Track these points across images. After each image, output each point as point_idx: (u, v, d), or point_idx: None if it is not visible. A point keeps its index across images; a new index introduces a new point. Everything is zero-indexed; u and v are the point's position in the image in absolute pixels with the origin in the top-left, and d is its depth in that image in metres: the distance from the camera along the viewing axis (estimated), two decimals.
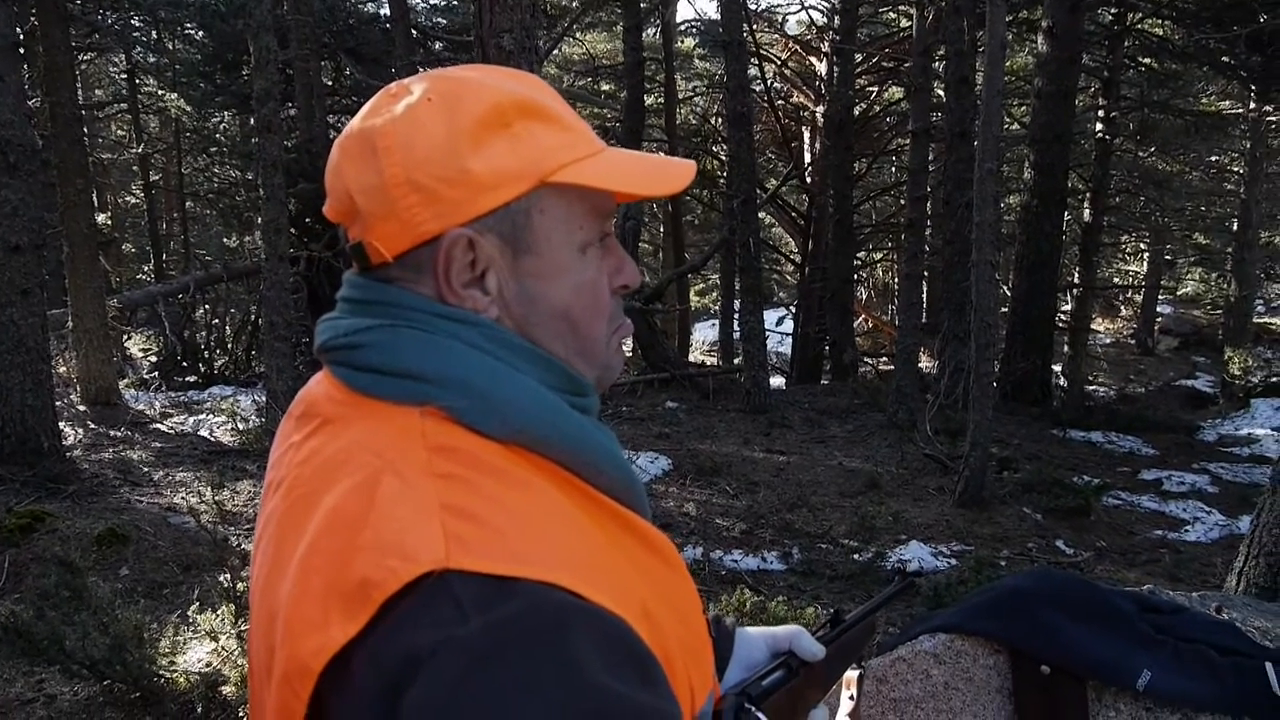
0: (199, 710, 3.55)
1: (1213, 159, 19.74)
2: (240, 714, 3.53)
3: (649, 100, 17.09)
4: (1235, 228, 18.40)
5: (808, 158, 18.01)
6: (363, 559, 0.66)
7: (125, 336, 13.32)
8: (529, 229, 0.80)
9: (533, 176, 0.78)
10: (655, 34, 18.71)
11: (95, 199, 14.75)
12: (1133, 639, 1.84)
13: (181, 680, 3.65)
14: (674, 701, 0.69)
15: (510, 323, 0.81)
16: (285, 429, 0.85)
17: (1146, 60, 15.27)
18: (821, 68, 16.56)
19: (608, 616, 0.66)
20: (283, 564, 0.72)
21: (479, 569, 0.64)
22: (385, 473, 0.70)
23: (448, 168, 0.76)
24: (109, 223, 19.48)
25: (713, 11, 18.59)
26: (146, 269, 20.69)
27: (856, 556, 6.04)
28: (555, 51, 18.56)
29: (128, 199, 23.39)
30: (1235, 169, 19.29)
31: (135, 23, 15.96)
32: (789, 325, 17.67)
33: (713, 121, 19.55)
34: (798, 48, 18.26)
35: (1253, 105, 15.95)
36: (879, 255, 21.78)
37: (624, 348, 0.91)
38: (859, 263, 19.01)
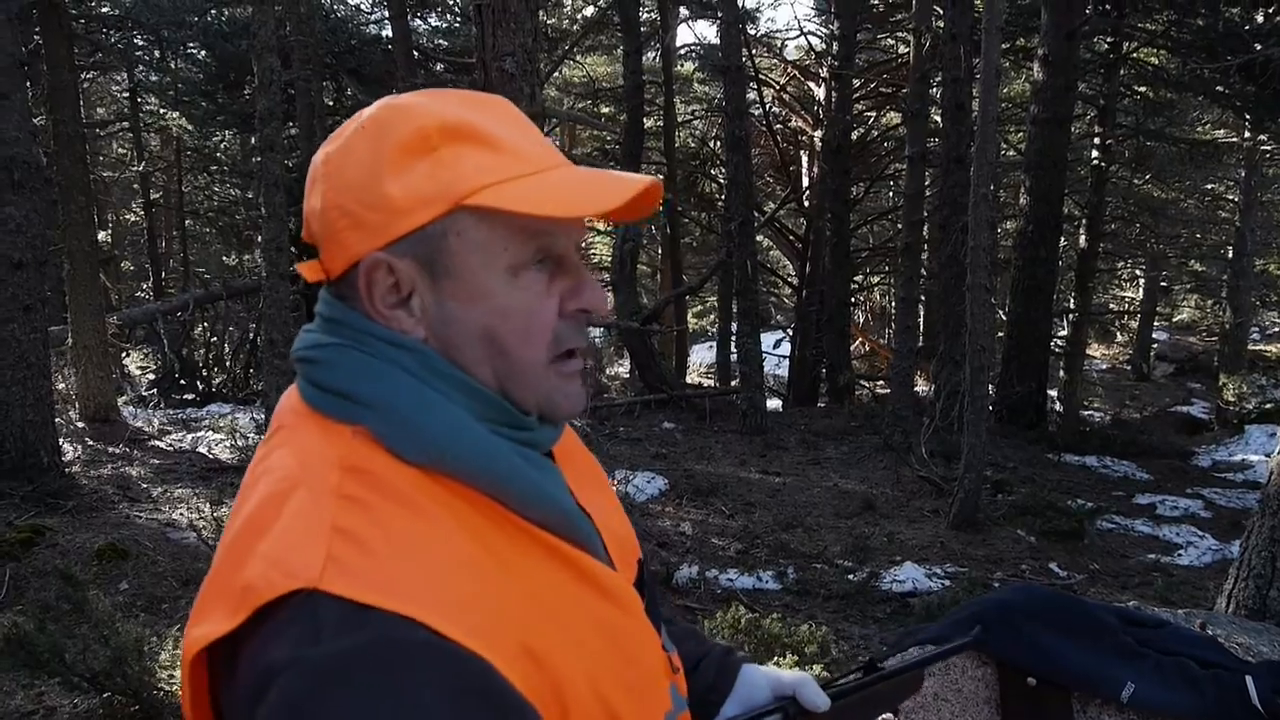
0: None
1: (1208, 187, 19.85)
2: None
3: (648, 123, 17.21)
4: (1230, 255, 18.51)
5: (805, 181, 18.13)
6: (253, 566, 0.70)
7: (124, 354, 13.36)
8: (446, 252, 0.80)
9: (447, 199, 0.78)
10: (655, 58, 18.84)
11: (96, 216, 14.85)
12: (1116, 652, 1.88)
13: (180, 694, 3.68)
14: None
15: (436, 344, 0.81)
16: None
17: (1142, 89, 15.39)
18: (820, 93, 16.69)
19: (465, 657, 0.67)
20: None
21: (344, 594, 0.67)
22: (300, 487, 0.74)
23: (369, 192, 0.79)
24: (109, 240, 19.56)
25: (712, 36, 18.74)
26: (146, 286, 20.74)
27: (851, 577, 6.07)
28: (556, 74, 18.69)
29: (128, 217, 23.47)
30: (1230, 197, 19.40)
31: (138, 42, 16.07)
32: (786, 348, 17.73)
33: (711, 145, 19.66)
34: (796, 73, 18.39)
35: (1247, 134, 16.06)
36: (876, 279, 21.85)
37: (577, 375, 0.87)
38: (856, 286, 19.08)
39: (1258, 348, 21.43)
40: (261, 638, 0.67)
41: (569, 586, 0.79)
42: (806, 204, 17.44)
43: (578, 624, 0.78)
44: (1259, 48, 11.14)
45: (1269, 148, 16.75)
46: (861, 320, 24.95)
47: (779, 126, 18.31)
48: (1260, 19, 12.81)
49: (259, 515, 0.74)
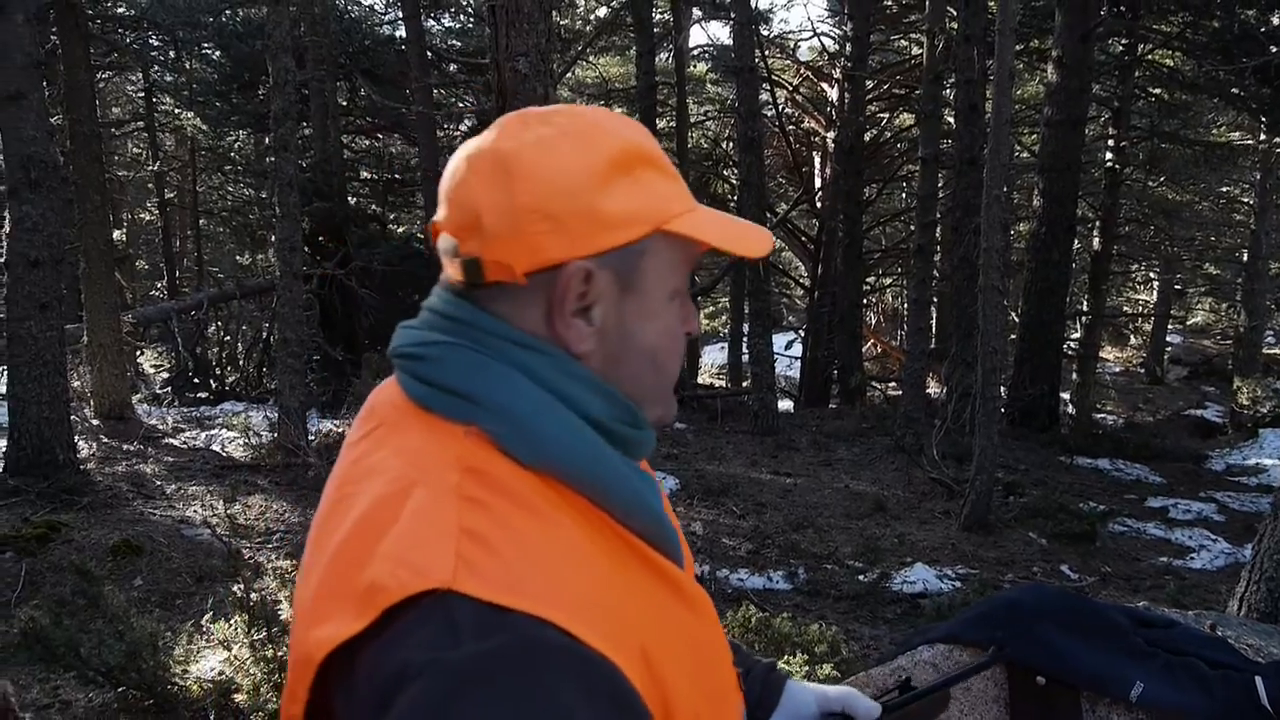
0: (211, 717, 3.60)
1: (1223, 189, 19.76)
2: None
3: (661, 124, 17.23)
4: (1245, 258, 18.42)
5: (818, 182, 18.10)
6: (377, 565, 0.70)
7: (138, 352, 13.43)
8: (639, 270, 0.83)
9: (651, 222, 0.82)
10: (668, 59, 18.87)
11: (111, 216, 14.95)
12: (1126, 651, 1.89)
13: (195, 688, 3.71)
14: None
15: (601, 356, 0.83)
16: (354, 425, 0.90)
17: (1157, 90, 15.34)
18: (833, 94, 16.68)
19: (597, 660, 0.67)
20: (317, 558, 0.78)
21: (479, 595, 0.67)
22: (417, 486, 0.74)
23: (578, 202, 0.79)
24: (124, 239, 19.65)
25: (725, 37, 18.75)
26: (160, 285, 20.87)
27: (862, 578, 6.07)
28: (569, 75, 18.73)
29: (143, 216, 23.59)
30: (1245, 200, 19.32)
31: (154, 42, 16.17)
32: (798, 349, 17.72)
33: (724, 145, 19.66)
34: (809, 74, 18.38)
35: (1263, 137, 16.00)
36: (888, 280, 21.81)
37: None
38: (868, 287, 19.04)
39: (1272, 351, 21.33)
40: (389, 639, 0.67)
41: (660, 595, 0.81)
42: (819, 205, 17.42)
43: (672, 633, 0.79)
44: (1275, 50, 11.09)
45: None
46: (873, 322, 24.92)
47: (792, 128, 18.30)
48: (1276, 21, 12.77)
49: (375, 515, 0.74)
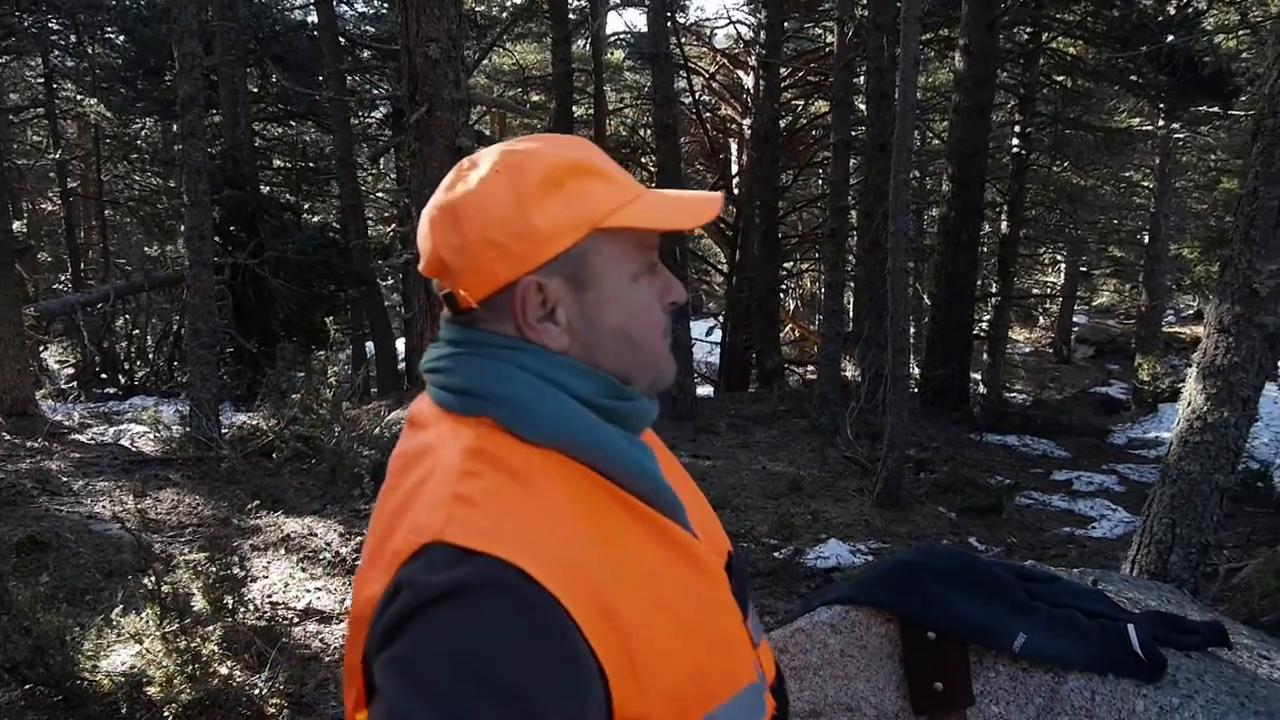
0: (123, 711, 3.55)
1: (1124, 174, 20.39)
2: (164, 713, 3.55)
3: (578, 111, 17.22)
4: (1146, 240, 19.06)
5: (735, 169, 18.28)
6: (399, 535, 0.87)
7: (42, 347, 13.03)
8: (587, 267, 0.95)
9: (585, 225, 0.93)
10: (585, 46, 18.82)
11: (10, 205, 14.38)
12: (1010, 606, 1.99)
13: (105, 682, 3.65)
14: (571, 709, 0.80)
15: (579, 347, 0.96)
16: (402, 433, 1.06)
17: (1060, 78, 15.77)
18: (748, 81, 16.83)
19: (544, 597, 0.81)
20: (369, 540, 0.96)
21: (456, 541, 0.82)
22: (435, 470, 0.90)
23: (515, 225, 0.92)
24: (24, 230, 18.98)
25: (642, 24, 18.75)
26: (64, 278, 20.20)
27: (777, 554, 6.19)
28: (485, 62, 18.59)
29: (44, 206, 22.80)
30: (1145, 184, 19.96)
31: (53, 25, 15.63)
32: (718, 335, 17.87)
33: (642, 133, 19.72)
34: (725, 61, 18.52)
35: (1161, 123, 16.55)
36: (805, 265, 22.11)
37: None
38: (786, 272, 19.30)
39: (1172, 330, 22.10)
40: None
41: (653, 548, 0.92)
42: (736, 191, 17.58)
43: (660, 584, 0.90)
44: (1170, 38, 11.49)
45: (1181, 135, 17.27)
46: (791, 307, 25.22)
47: (708, 114, 18.44)
48: (1172, 10, 13.22)
49: (406, 500, 0.91)
